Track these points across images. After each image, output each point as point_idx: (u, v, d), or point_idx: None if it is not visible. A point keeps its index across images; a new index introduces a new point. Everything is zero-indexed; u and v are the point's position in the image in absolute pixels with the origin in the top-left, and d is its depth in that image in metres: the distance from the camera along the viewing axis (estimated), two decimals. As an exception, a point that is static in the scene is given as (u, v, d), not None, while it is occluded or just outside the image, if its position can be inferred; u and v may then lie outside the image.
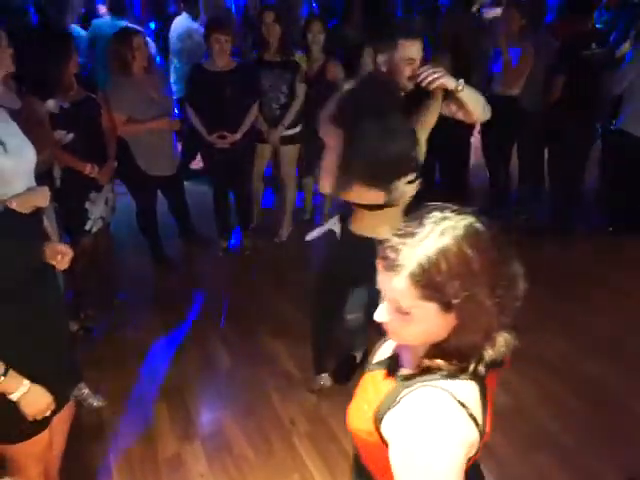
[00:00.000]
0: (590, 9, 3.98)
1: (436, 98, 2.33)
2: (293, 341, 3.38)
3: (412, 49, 2.27)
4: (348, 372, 3.03)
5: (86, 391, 2.87)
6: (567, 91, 4.05)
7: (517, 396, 2.95)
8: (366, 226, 2.35)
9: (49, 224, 2.20)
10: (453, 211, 1.07)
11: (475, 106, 2.30)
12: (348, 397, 3.02)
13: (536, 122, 4.34)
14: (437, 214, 1.06)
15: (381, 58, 2.33)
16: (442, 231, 1.02)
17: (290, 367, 3.20)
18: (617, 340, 3.33)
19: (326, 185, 2.26)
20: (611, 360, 3.17)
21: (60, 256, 1.95)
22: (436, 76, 2.13)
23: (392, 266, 1.02)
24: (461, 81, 2.20)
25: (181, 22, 5.15)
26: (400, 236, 1.04)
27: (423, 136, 2.34)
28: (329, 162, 2.20)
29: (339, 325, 2.93)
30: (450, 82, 2.17)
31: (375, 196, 2.21)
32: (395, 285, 1.03)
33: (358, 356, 3.11)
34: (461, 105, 2.28)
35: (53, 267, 1.98)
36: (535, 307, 3.60)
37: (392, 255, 1.03)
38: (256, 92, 3.96)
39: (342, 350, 3.13)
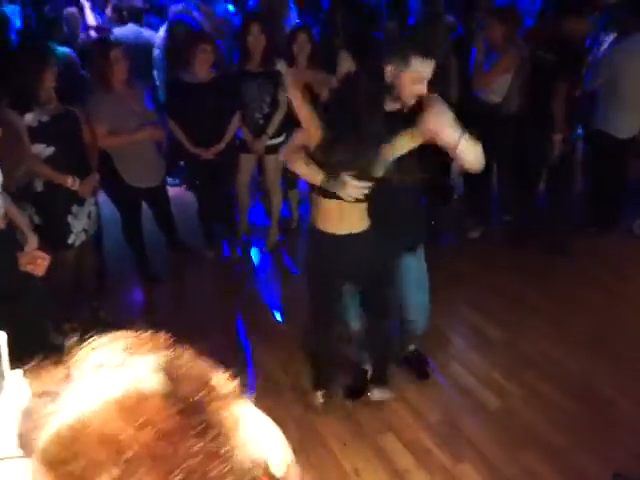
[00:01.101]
0: (564, 14, 4.02)
1: (420, 129, 2.23)
2: (282, 349, 3.38)
3: (424, 68, 2.24)
4: (362, 388, 3.02)
5: None
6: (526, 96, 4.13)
7: (504, 396, 2.97)
8: (331, 222, 2.46)
9: (21, 221, 2.17)
10: (125, 350, 0.77)
11: (471, 161, 2.25)
12: (338, 405, 3.02)
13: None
14: (95, 360, 0.76)
15: (390, 69, 2.26)
16: (89, 392, 0.72)
17: (279, 374, 3.20)
18: (602, 338, 3.36)
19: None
20: (596, 358, 3.19)
21: (37, 261, 1.93)
22: (439, 126, 2.12)
23: (24, 440, 0.73)
24: (463, 136, 2.12)
25: (162, 31, 5.13)
26: (41, 395, 0.75)
27: (393, 153, 2.31)
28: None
29: (340, 338, 2.98)
30: (450, 136, 2.12)
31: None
32: (29, 464, 0.75)
33: (369, 370, 3.06)
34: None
35: (36, 281, 1.97)
36: (521, 308, 3.66)
37: (26, 424, 0.73)
38: (237, 102, 3.97)
39: (352, 364, 3.11)
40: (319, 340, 2.94)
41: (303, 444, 2.73)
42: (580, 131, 4.62)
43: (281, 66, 4.02)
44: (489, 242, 4.47)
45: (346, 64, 4.04)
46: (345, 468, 2.61)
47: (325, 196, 2.41)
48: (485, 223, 4.61)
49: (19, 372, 0.93)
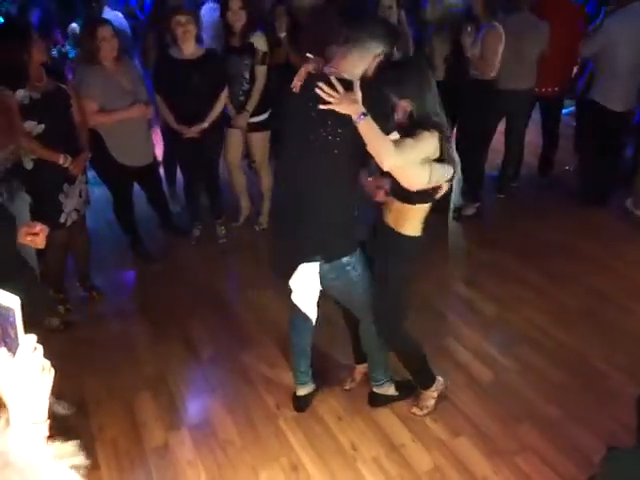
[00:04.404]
0: None
1: None
2: (275, 326, 3.38)
3: None
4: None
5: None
6: None
7: (499, 371, 2.99)
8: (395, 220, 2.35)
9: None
10: None
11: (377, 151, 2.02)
12: (333, 380, 3.02)
13: (523, 102, 4.40)
14: None
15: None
16: None
17: (273, 352, 3.20)
18: (594, 312, 3.39)
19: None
20: (589, 332, 3.22)
21: (37, 233, 1.92)
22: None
23: None
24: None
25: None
26: None
27: None
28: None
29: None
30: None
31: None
32: None
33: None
34: None
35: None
36: (514, 284, 3.68)
37: None
38: (224, 79, 3.90)
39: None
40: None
41: (299, 420, 2.75)
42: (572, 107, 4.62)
43: (256, 39, 3.94)
44: (483, 219, 4.48)
45: None
46: (341, 442, 2.62)
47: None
48: (479, 200, 4.61)
49: (33, 337, 0.94)
